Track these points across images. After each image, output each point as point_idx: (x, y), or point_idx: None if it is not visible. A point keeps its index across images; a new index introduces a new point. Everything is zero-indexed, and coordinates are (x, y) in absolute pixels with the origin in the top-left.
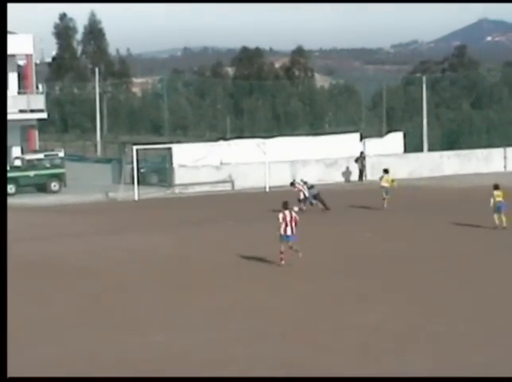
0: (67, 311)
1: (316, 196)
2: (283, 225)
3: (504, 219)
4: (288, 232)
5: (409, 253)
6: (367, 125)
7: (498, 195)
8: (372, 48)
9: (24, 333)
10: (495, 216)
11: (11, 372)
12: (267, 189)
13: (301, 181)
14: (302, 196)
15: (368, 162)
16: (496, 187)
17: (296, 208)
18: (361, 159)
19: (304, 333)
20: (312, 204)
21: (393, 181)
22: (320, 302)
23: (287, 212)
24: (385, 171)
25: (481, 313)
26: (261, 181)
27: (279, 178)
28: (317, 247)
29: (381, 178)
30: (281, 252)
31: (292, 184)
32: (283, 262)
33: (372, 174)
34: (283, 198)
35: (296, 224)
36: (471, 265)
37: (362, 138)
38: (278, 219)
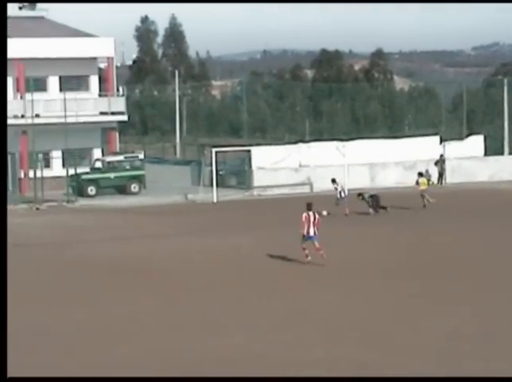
0: (146, 312)
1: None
2: (306, 226)
3: None
4: (311, 233)
5: (482, 256)
6: (447, 128)
7: None
8: (452, 51)
9: (103, 333)
10: None
11: (94, 372)
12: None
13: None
14: (339, 196)
15: (448, 165)
16: None
17: (324, 213)
18: (441, 162)
19: (381, 336)
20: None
21: (429, 181)
22: (393, 304)
23: (310, 213)
24: (420, 174)
25: None
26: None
27: (358, 181)
28: (391, 247)
29: (417, 182)
30: (304, 248)
31: (334, 181)
32: (309, 258)
33: (452, 177)
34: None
35: (317, 225)
36: None
37: (442, 140)
38: (302, 219)
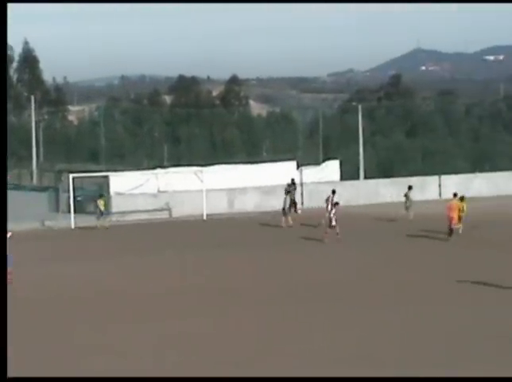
0: None
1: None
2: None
3: None
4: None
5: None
6: (304, 153)
7: None
8: (309, 77)
9: None
10: None
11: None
12: (204, 217)
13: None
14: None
15: (305, 190)
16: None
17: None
18: (292, 188)
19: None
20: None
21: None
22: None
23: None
24: (410, 187)
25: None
26: (199, 208)
27: (217, 206)
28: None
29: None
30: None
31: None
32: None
33: (310, 201)
34: (221, 226)
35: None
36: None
37: (298, 165)
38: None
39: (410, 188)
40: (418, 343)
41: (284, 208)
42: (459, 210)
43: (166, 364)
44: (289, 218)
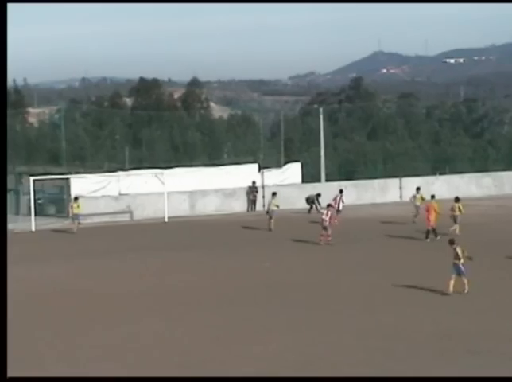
0: None
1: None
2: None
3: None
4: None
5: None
6: (266, 155)
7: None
8: (270, 80)
9: None
10: None
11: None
12: (166, 220)
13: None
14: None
15: (267, 192)
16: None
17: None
18: (253, 190)
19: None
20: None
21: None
22: (220, 333)
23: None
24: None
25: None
26: (160, 211)
27: (178, 208)
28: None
29: (414, 197)
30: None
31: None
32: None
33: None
34: (182, 228)
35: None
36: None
37: (260, 168)
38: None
39: (418, 189)
40: (372, 344)
41: (268, 211)
42: (436, 211)
43: (117, 365)
44: (272, 221)
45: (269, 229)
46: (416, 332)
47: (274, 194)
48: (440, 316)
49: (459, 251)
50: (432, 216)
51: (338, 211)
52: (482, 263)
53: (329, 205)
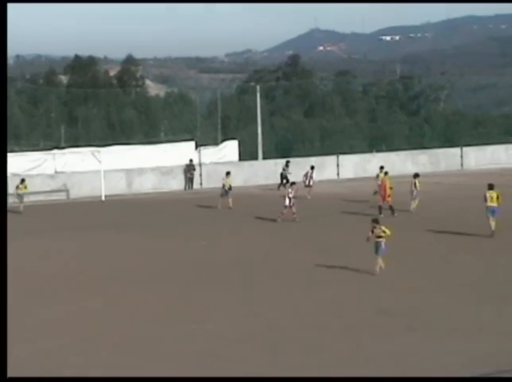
0: None
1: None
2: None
3: None
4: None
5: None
6: (202, 133)
7: (491, 197)
8: (207, 57)
9: None
10: None
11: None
12: (103, 198)
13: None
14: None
15: (204, 170)
16: (490, 187)
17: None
18: (190, 168)
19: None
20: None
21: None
22: (161, 310)
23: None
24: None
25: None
26: (97, 189)
27: (115, 187)
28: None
29: (377, 176)
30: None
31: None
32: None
33: (208, 182)
34: (119, 207)
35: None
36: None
37: (197, 146)
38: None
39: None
40: (300, 324)
41: (222, 194)
42: (390, 187)
43: (53, 343)
44: (230, 200)
45: (229, 207)
46: (353, 309)
47: (228, 173)
48: (377, 293)
49: (384, 228)
50: (387, 193)
51: (309, 186)
52: (417, 239)
53: (293, 183)
